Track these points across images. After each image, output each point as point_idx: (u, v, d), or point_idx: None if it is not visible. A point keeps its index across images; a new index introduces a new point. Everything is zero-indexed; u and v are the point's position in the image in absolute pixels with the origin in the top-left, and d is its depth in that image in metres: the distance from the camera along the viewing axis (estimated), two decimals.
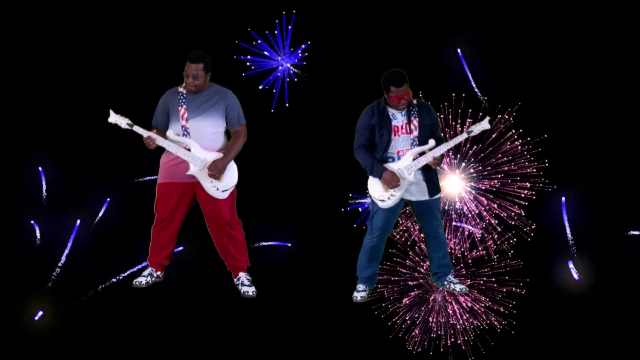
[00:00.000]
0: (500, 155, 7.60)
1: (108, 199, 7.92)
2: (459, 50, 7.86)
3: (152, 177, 7.30)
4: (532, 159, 7.57)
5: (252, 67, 7.81)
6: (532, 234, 7.50)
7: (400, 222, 7.42)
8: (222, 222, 6.56)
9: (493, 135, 7.52)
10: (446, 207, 7.59)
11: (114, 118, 6.42)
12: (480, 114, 7.45)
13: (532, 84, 7.84)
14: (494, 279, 7.18)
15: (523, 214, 7.53)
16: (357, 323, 6.70)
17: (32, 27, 8.01)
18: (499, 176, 7.60)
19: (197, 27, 7.86)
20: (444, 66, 7.90)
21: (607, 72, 7.93)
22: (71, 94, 8.00)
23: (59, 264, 7.53)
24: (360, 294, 6.63)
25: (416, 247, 7.33)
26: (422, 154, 6.38)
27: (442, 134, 6.66)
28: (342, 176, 7.69)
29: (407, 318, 6.99)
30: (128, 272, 7.28)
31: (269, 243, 7.76)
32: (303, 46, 7.83)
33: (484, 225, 7.52)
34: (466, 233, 7.51)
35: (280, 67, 7.86)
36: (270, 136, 7.78)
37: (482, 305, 7.03)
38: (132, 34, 7.93)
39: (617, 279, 7.38)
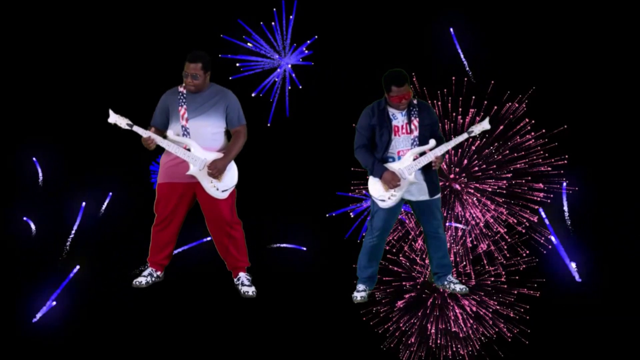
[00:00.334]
0: (508, 152, 7.12)
1: (110, 193, 7.92)
2: (451, 30, 7.49)
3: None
4: (546, 155, 7.04)
5: (242, 70, 7.59)
6: (549, 246, 6.96)
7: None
8: (222, 222, 6.57)
9: (500, 127, 7.12)
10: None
11: (113, 118, 6.42)
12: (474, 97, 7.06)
13: (548, 66, 7.29)
14: (503, 279, 6.86)
15: (536, 222, 7.03)
16: (345, 330, 6.49)
17: (32, 27, 8.01)
18: (508, 176, 7.19)
19: (196, 27, 7.86)
20: (439, 49, 7.58)
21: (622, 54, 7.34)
22: (71, 93, 8.01)
23: (60, 257, 7.53)
24: (360, 294, 6.63)
25: (408, 242, 7.11)
26: (422, 154, 6.38)
27: (442, 134, 6.65)
28: (341, 177, 7.65)
29: (401, 324, 6.76)
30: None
31: (285, 245, 7.69)
32: (308, 42, 7.62)
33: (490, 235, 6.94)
34: (459, 233, 7.17)
35: (279, 70, 7.69)
36: (269, 136, 7.78)
37: (490, 309, 6.70)
38: (131, 34, 7.93)
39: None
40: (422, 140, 6.40)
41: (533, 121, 7.01)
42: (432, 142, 6.38)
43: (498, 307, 6.62)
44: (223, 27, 7.81)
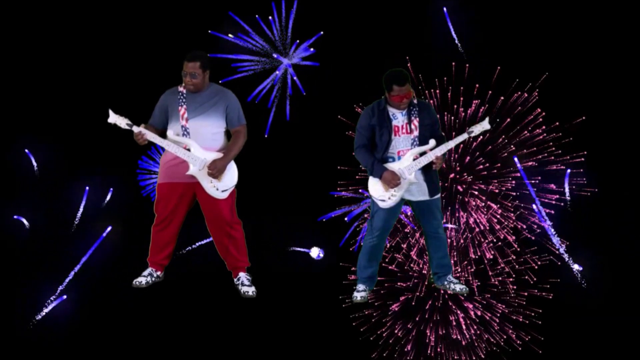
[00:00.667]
0: (513, 148, 6.62)
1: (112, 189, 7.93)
2: (444, 9, 6.99)
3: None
4: (560, 152, 6.47)
5: (237, 70, 7.49)
6: (566, 259, 6.35)
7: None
8: (222, 222, 6.56)
9: (507, 120, 6.61)
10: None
11: (113, 118, 6.41)
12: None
13: (562, 49, 6.60)
14: (512, 279, 6.42)
15: (550, 228, 6.45)
16: (335, 337, 6.32)
17: (32, 27, 8.01)
18: (517, 175, 6.74)
19: (195, 28, 7.85)
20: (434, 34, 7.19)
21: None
22: (71, 94, 8.01)
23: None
24: (360, 294, 6.63)
25: (401, 236, 6.92)
26: (422, 154, 6.38)
27: (442, 133, 6.63)
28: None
29: (395, 330, 6.46)
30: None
31: (303, 250, 7.63)
32: (309, 40, 7.48)
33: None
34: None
35: (277, 72, 7.56)
36: (270, 136, 7.77)
37: (497, 313, 6.26)
38: (131, 34, 7.93)
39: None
40: (422, 140, 6.40)
41: (543, 113, 6.44)
42: (432, 142, 6.37)
43: (506, 311, 6.01)
44: (218, 25, 7.78)
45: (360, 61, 7.82)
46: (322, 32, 7.39)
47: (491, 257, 6.57)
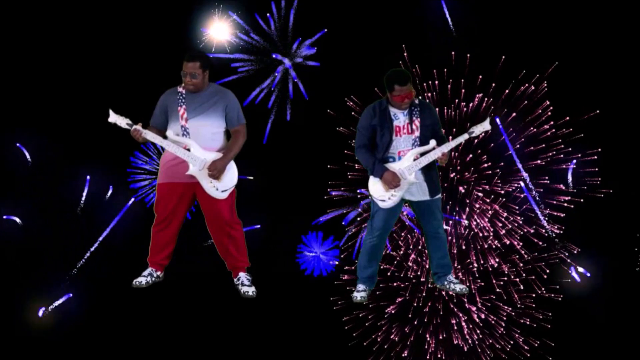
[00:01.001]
0: (518, 146, 6.24)
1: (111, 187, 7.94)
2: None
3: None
4: (570, 149, 5.94)
5: (238, 70, 7.42)
6: (578, 270, 5.87)
7: None
8: (221, 222, 6.56)
9: (513, 115, 6.21)
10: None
11: (113, 118, 6.42)
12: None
13: (573, 38, 5.98)
14: (518, 279, 6.02)
15: (559, 234, 5.91)
16: (323, 343, 6.16)
17: (32, 26, 8.00)
18: (524, 176, 6.29)
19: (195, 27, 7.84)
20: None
21: None
22: (71, 93, 8.01)
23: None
24: (360, 294, 6.62)
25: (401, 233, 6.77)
26: (423, 154, 6.37)
27: (443, 134, 6.60)
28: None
29: (392, 335, 6.16)
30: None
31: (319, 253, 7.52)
32: (309, 39, 7.44)
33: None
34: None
35: (277, 74, 7.48)
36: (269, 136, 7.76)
37: (502, 316, 5.82)
38: (131, 34, 7.91)
39: None
40: (423, 141, 6.39)
41: (551, 108, 5.81)
42: (433, 142, 6.36)
43: (513, 314, 5.52)
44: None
45: (358, 56, 7.76)
46: (325, 30, 7.40)
47: (495, 264, 6.22)
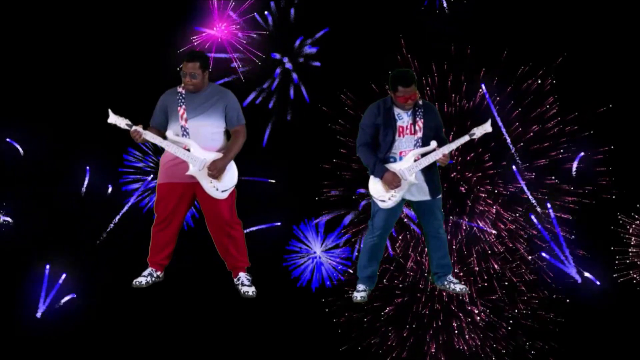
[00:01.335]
0: (522, 144, 5.97)
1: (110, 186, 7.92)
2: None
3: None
4: (574, 148, 5.55)
5: (239, 67, 7.37)
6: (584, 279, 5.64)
7: None
8: (221, 222, 6.56)
9: (517, 110, 5.91)
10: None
11: (113, 119, 6.41)
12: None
13: (580, 28, 5.62)
14: (524, 279, 5.64)
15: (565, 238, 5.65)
16: (316, 346, 6.07)
17: (32, 26, 7.97)
18: (531, 176, 5.98)
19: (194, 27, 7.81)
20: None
21: None
22: (71, 93, 7.99)
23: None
24: (360, 294, 6.63)
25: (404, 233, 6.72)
26: (423, 155, 6.36)
27: (445, 136, 6.58)
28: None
29: (389, 339, 5.87)
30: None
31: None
32: (309, 38, 7.39)
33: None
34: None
35: (275, 76, 7.45)
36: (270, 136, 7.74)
37: (505, 318, 5.53)
38: (131, 34, 7.89)
39: None
40: (425, 142, 6.38)
41: (557, 105, 5.52)
42: (434, 143, 6.35)
43: (518, 316, 5.18)
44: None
45: (357, 56, 7.73)
46: (328, 28, 7.38)
47: (499, 268, 6.11)
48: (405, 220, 6.92)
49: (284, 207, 7.85)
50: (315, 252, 7.01)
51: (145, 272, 6.70)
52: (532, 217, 5.70)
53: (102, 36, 7.93)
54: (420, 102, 6.43)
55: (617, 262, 5.71)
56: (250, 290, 6.64)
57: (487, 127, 6.39)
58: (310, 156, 7.73)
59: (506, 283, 5.94)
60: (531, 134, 5.55)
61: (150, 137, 6.37)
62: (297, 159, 7.71)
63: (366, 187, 6.47)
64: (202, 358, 6.56)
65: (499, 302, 5.36)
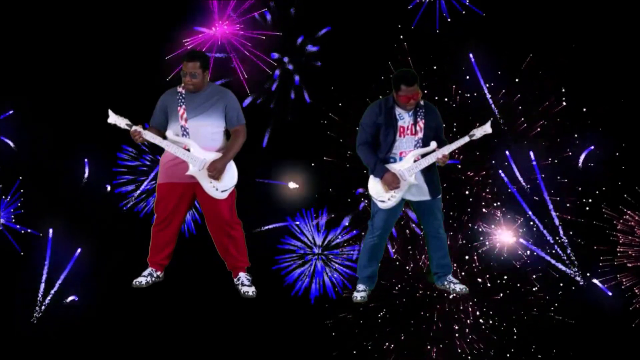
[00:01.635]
0: (524, 142, 5.74)
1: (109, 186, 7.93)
2: None
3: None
4: (575, 151, 5.46)
5: (239, 67, 7.37)
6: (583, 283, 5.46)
7: None
8: (221, 222, 6.57)
9: (520, 107, 5.62)
10: None
11: (113, 118, 6.42)
12: None
13: (588, 20, 5.38)
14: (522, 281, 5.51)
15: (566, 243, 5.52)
16: (307, 350, 6.08)
17: (32, 26, 7.98)
18: (533, 179, 5.78)
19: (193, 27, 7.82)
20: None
21: None
22: (71, 93, 8.00)
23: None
24: (360, 294, 6.63)
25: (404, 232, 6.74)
26: (423, 155, 6.36)
27: (444, 137, 6.58)
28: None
29: (385, 343, 5.72)
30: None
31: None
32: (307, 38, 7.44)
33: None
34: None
35: (275, 78, 7.47)
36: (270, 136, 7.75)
37: (511, 320, 5.31)
38: (131, 34, 7.90)
39: None
40: (425, 142, 6.38)
41: (563, 102, 5.25)
42: (434, 143, 6.36)
43: (524, 318, 4.95)
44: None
45: (357, 55, 7.73)
46: (330, 27, 7.37)
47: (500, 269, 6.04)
48: (403, 223, 6.93)
49: (284, 207, 7.84)
50: (315, 252, 6.97)
51: (145, 272, 6.70)
52: (534, 217, 5.62)
53: (102, 36, 7.93)
54: (422, 102, 6.43)
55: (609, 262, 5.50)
56: (250, 290, 6.64)
57: (487, 128, 6.39)
58: (310, 156, 7.71)
59: (506, 284, 5.82)
60: (537, 128, 5.19)
61: (150, 137, 6.38)
62: (297, 159, 7.70)
63: (366, 187, 6.48)
64: (202, 358, 6.55)
65: (501, 304, 5.16)
